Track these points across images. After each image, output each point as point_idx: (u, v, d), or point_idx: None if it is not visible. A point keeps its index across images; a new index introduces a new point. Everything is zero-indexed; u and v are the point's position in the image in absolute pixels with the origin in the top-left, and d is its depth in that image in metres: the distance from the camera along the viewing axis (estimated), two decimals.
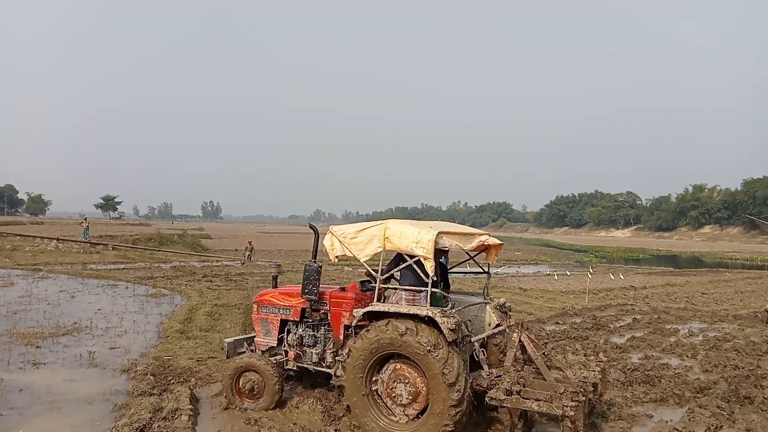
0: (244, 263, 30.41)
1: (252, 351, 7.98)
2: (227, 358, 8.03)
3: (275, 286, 8.43)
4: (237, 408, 7.40)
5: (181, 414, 6.95)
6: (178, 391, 7.75)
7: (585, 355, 9.56)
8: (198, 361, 9.40)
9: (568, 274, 31.32)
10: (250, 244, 33.07)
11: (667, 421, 7.27)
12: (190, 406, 7.26)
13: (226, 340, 8.33)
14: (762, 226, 65.11)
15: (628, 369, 9.68)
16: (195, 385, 8.29)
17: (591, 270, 32.04)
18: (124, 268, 25.83)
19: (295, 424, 6.92)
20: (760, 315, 15.57)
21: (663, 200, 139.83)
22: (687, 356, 11.08)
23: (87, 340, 11.01)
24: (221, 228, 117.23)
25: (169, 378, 8.46)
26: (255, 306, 8.21)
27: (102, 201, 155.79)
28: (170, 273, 24.48)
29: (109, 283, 19.93)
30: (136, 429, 6.36)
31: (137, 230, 58.65)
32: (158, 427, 6.57)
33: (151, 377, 8.38)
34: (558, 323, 14.60)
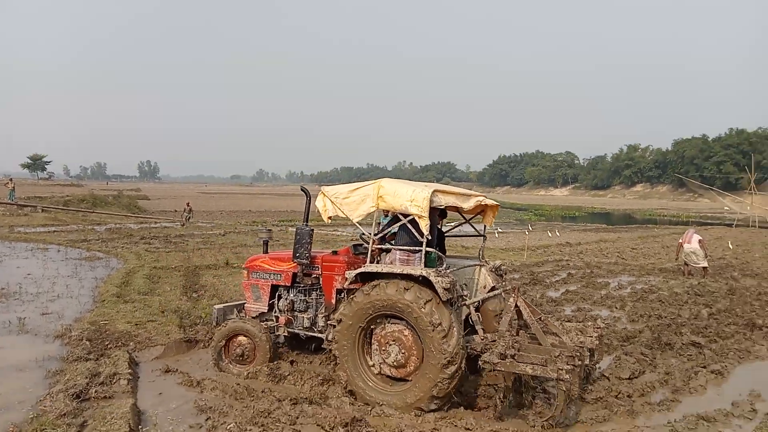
0: (183, 225, 29.64)
1: (242, 317, 7.86)
2: (216, 325, 7.87)
3: (266, 251, 8.23)
4: (227, 373, 7.28)
5: (119, 378, 6.81)
6: (116, 356, 7.58)
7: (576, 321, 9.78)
8: (137, 324, 9.18)
9: (509, 231, 32.26)
10: (189, 206, 32.11)
11: (596, 368, 7.71)
12: (129, 371, 7.12)
13: (214, 306, 8.16)
14: (689, 184, 68.83)
15: (562, 321, 10.15)
16: (134, 349, 8.11)
17: (530, 228, 33.12)
18: (55, 231, 24.64)
19: (238, 384, 6.92)
20: (682, 268, 16.62)
21: (599, 160, 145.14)
22: (616, 308, 11.73)
23: (16, 306, 10.52)
24: (160, 188, 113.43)
25: (107, 343, 8.24)
26: (245, 272, 8.04)
27: (29, 160, 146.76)
28: (105, 235, 23.57)
29: (39, 247, 18.99)
30: (72, 395, 6.19)
31: (69, 191, 55.93)
32: (96, 392, 6.41)
33: (87, 342, 8.14)
34: None
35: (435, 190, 6.35)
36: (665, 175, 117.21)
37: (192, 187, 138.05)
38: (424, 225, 6.14)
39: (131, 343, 8.29)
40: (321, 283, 7.36)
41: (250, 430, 5.51)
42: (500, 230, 32.55)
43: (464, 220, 7.85)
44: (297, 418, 5.87)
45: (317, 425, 5.70)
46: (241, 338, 7.45)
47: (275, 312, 7.77)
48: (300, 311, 7.63)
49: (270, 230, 8.81)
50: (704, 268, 16.11)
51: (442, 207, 6.67)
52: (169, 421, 5.83)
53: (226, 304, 8.27)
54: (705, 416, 6.20)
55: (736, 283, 15.11)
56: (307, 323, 7.48)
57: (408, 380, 6.34)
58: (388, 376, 6.51)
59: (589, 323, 7.72)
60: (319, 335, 7.33)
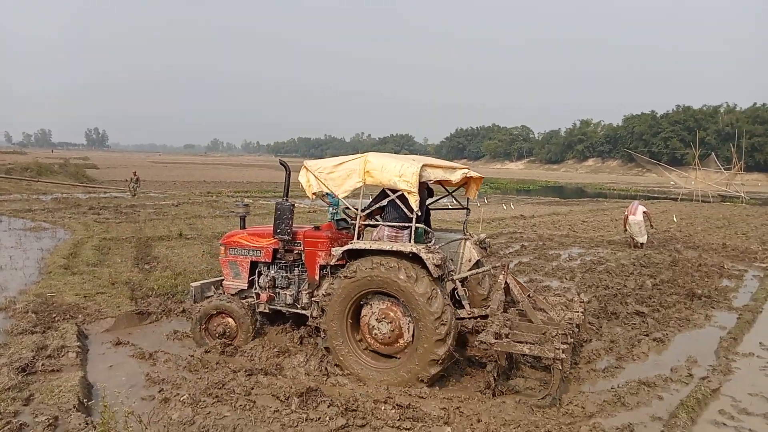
0: (135, 195, 28.78)
1: (221, 294, 7.66)
2: (194, 302, 7.66)
3: (243, 227, 8.02)
4: (210, 349, 7.03)
5: (68, 351, 6.65)
6: (63, 329, 7.38)
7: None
8: (86, 297, 8.92)
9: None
10: (135, 175, 31.06)
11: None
12: (78, 343, 6.96)
13: (192, 284, 7.93)
14: (638, 159, 70.96)
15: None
16: (83, 322, 7.90)
17: (485, 201, 33.63)
18: None
19: (192, 356, 6.85)
20: (628, 240, 17.24)
21: (553, 134, 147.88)
22: (566, 279, 12.11)
23: None
24: (109, 157, 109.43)
25: (54, 315, 7.99)
26: (222, 248, 7.81)
27: None
28: (51, 205, 22.69)
29: None
30: (18, 368, 6.01)
31: (11, 159, 53.37)
32: (42, 365, 6.25)
33: (33, 315, 7.87)
34: None
35: (424, 165, 6.19)
36: (615, 150, 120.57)
37: (144, 156, 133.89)
38: (414, 201, 6.00)
39: (80, 316, 8.07)
40: (303, 259, 7.21)
41: (203, 401, 5.48)
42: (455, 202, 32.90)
43: (447, 193, 7.69)
44: (252, 388, 5.86)
45: (272, 395, 5.71)
46: (223, 316, 7.32)
47: (256, 289, 7.61)
48: (282, 288, 7.47)
49: (247, 205, 8.55)
50: (642, 243, 16.75)
51: (431, 181, 6.54)
52: (120, 393, 5.74)
53: (204, 282, 8.04)
54: (646, 381, 6.53)
55: (679, 255, 15.79)
56: (289, 300, 7.32)
57: (397, 357, 6.31)
58: (377, 353, 6.45)
59: (575, 298, 7.84)
60: (303, 312, 7.22)
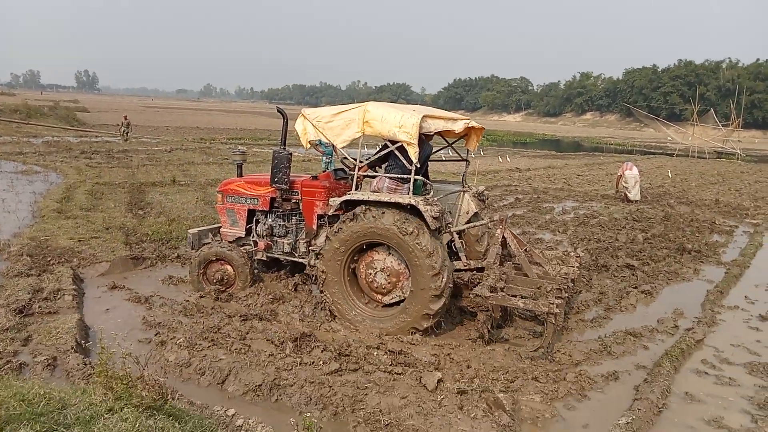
0: (127, 140, 28.43)
1: (219, 241, 7.67)
2: (192, 249, 7.67)
3: (240, 175, 7.96)
4: (206, 294, 7.13)
5: (64, 294, 6.71)
6: (59, 272, 7.42)
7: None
8: (80, 241, 8.94)
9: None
10: (126, 119, 30.53)
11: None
12: (74, 287, 7.02)
13: (189, 231, 7.92)
14: (636, 113, 70.29)
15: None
16: (78, 266, 7.95)
17: (482, 153, 33.49)
18: None
19: (187, 300, 6.94)
20: (621, 195, 17.29)
21: (552, 87, 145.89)
22: (558, 231, 12.21)
23: None
24: (100, 101, 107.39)
25: (48, 258, 8.02)
26: (219, 195, 7.79)
27: None
28: (42, 149, 22.42)
29: None
30: (14, 310, 6.08)
31: None
32: (39, 307, 6.32)
33: (28, 258, 7.90)
34: None
35: (425, 115, 6.06)
36: (615, 104, 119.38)
37: (136, 101, 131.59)
38: (413, 152, 5.91)
39: (75, 260, 8.11)
40: (301, 208, 7.21)
41: (199, 344, 5.59)
42: (452, 154, 32.78)
43: (447, 144, 7.57)
44: (247, 333, 5.97)
45: (267, 340, 5.82)
46: (221, 263, 7.36)
47: (253, 237, 7.64)
48: (279, 236, 7.49)
49: (244, 152, 8.43)
50: (635, 201, 16.80)
51: (431, 132, 6.42)
52: (116, 336, 5.81)
53: (201, 229, 8.05)
54: (632, 332, 6.69)
55: (671, 210, 15.91)
56: (287, 248, 7.37)
57: (395, 306, 6.39)
58: (375, 303, 6.53)
59: (571, 253, 7.89)
60: (301, 261, 7.26)
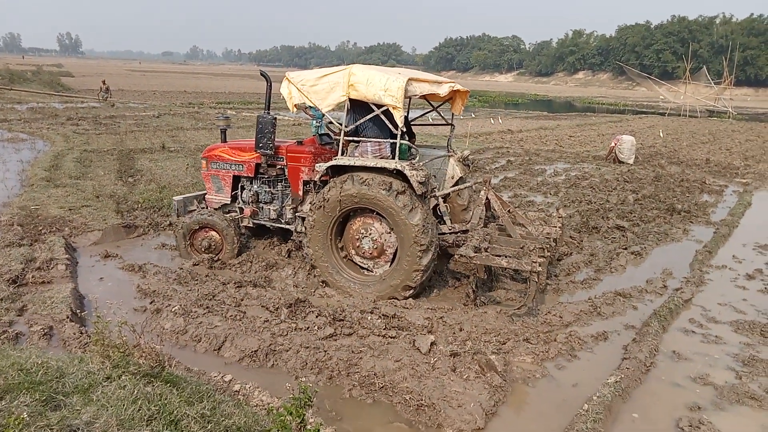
0: (114, 105, 27.94)
1: (204, 208, 7.65)
2: (177, 217, 7.64)
3: (224, 141, 7.86)
4: (198, 263, 7.17)
5: (57, 263, 6.69)
6: (51, 241, 7.38)
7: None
8: (70, 210, 8.88)
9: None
10: (105, 84, 29.89)
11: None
12: (67, 256, 7.00)
13: (174, 198, 7.88)
14: (628, 72, 69.63)
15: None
16: (70, 235, 7.91)
17: (473, 114, 33.26)
18: None
19: (181, 268, 6.96)
20: (613, 157, 17.26)
21: (545, 45, 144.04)
22: (550, 194, 12.25)
23: None
24: (84, 65, 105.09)
25: (40, 228, 7.98)
26: (204, 162, 7.72)
27: None
28: (28, 115, 22.02)
29: None
30: (8, 280, 6.07)
31: None
32: (33, 277, 6.32)
33: (19, 227, 7.85)
34: None
35: (410, 78, 6.01)
36: (607, 63, 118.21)
37: (121, 64, 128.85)
38: (399, 116, 5.89)
39: (66, 229, 8.07)
40: (287, 174, 7.17)
41: (195, 311, 5.63)
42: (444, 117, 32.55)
43: (432, 108, 7.51)
44: (242, 300, 6.02)
45: (261, 306, 5.88)
46: (206, 230, 7.35)
47: (239, 203, 7.62)
48: (265, 203, 7.48)
49: (228, 118, 8.32)
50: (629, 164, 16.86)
51: (417, 96, 6.35)
52: (111, 304, 5.84)
53: (187, 196, 8.00)
54: (622, 293, 6.80)
55: (662, 170, 15.98)
56: (273, 215, 7.37)
57: (381, 270, 6.47)
58: (361, 267, 6.60)
59: (554, 213, 7.94)
60: (287, 227, 7.27)
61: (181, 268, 6.95)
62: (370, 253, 6.45)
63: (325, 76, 6.26)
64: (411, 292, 6.17)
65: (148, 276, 6.73)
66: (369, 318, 5.66)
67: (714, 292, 7.09)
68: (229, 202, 7.68)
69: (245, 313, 5.71)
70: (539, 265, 5.72)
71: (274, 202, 7.44)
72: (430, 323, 5.66)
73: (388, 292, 6.21)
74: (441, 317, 5.83)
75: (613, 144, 17.37)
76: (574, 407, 4.42)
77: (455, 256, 6.01)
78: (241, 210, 7.56)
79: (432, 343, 5.09)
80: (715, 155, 20.14)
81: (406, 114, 6.85)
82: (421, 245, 5.95)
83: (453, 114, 7.34)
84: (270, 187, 7.46)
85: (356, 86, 6.06)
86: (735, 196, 13.15)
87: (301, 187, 7.04)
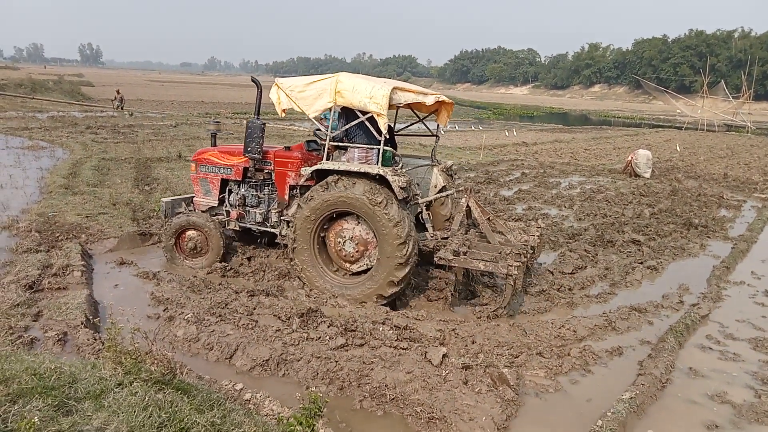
0: (132, 114, 28.33)
1: (191, 211, 7.75)
2: (165, 218, 7.76)
3: (214, 144, 7.99)
4: (181, 266, 7.35)
5: (73, 270, 6.76)
6: (67, 248, 7.47)
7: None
8: (87, 217, 8.99)
9: (467, 130, 32.27)
10: (119, 93, 30.39)
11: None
12: (83, 262, 7.07)
13: (163, 199, 8.02)
14: (645, 86, 69.26)
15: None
16: (86, 242, 8.00)
17: (481, 127, 33.22)
18: None
19: (195, 277, 6.99)
20: (629, 170, 17.10)
21: (561, 58, 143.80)
22: (564, 207, 12.17)
23: None
24: (104, 75, 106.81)
25: (57, 234, 8.08)
26: (193, 165, 7.85)
27: None
28: (48, 124, 22.40)
29: None
30: (24, 285, 6.14)
31: (3, 74, 52.00)
32: (49, 283, 6.38)
33: (37, 234, 7.95)
34: None
35: (395, 87, 6.20)
36: (623, 76, 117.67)
37: (140, 75, 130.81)
38: (383, 123, 6.08)
39: (83, 236, 8.16)
40: (274, 178, 7.29)
41: (207, 319, 5.65)
42: (458, 128, 32.59)
43: (418, 119, 7.63)
44: (254, 308, 6.03)
45: (274, 315, 5.88)
46: (190, 232, 7.43)
47: (226, 206, 7.72)
48: (252, 206, 7.60)
49: (218, 122, 8.49)
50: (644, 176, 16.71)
51: (401, 105, 6.50)
52: (125, 311, 5.87)
53: (175, 198, 8.15)
54: (637, 307, 6.71)
55: (679, 184, 15.80)
56: (259, 218, 7.49)
57: (362, 274, 6.55)
58: (343, 271, 6.70)
59: (532, 224, 8.08)
60: (272, 231, 7.38)
61: (195, 276, 6.99)
62: (353, 257, 6.57)
63: (313, 83, 6.47)
64: (396, 289, 6.25)
65: (162, 283, 6.78)
66: (381, 329, 5.64)
67: (732, 308, 6.97)
68: (216, 205, 7.81)
69: (257, 321, 5.71)
70: (515, 269, 5.88)
71: (261, 205, 7.58)
72: (443, 335, 5.62)
73: (366, 295, 6.33)
74: (453, 329, 5.80)
75: (630, 158, 17.25)
76: (588, 423, 4.34)
77: (434, 258, 6.22)
78: (228, 213, 7.67)
79: (444, 356, 5.05)
80: (733, 170, 19.89)
81: (391, 124, 7.06)
82: (399, 255, 6.06)
83: (438, 125, 7.49)
84: (257, 191, 7.60)
85: (342, 93, 6.24)
86: (753, 212, 12.95)
87: (287, 192, 7.17)
